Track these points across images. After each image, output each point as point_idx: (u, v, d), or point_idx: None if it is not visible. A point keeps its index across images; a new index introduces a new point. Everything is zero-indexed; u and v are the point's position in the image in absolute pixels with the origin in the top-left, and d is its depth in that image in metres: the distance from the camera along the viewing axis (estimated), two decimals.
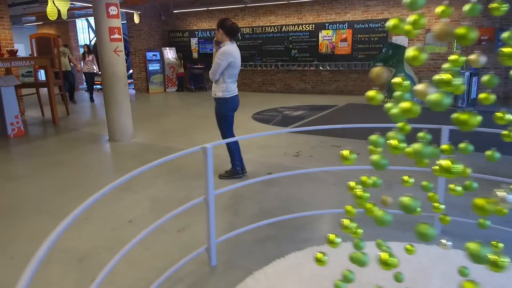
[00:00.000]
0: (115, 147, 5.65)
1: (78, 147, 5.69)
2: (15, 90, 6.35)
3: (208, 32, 12.78)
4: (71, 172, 4.49)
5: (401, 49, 9.02)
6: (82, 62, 10.12)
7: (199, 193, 3.73)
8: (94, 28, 18.17)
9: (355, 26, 10.47)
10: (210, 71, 3.76)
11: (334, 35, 10.76)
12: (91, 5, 11.29)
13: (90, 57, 10.29)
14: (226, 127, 3.96)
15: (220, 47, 3.82)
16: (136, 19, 11.50)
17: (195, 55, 13.25)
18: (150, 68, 12.76)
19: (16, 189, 3.92)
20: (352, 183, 1.57)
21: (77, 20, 16.42)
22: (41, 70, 9.46)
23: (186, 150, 2.28)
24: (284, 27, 11.46)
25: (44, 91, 8.30)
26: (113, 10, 5.47)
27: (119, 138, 5.88)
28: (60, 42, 9.06)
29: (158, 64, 12.92)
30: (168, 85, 13.25)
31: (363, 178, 1.61)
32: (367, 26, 10.33)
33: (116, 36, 5.57)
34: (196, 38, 13.07)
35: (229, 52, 3.69)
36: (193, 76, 12.97)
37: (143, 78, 13.10)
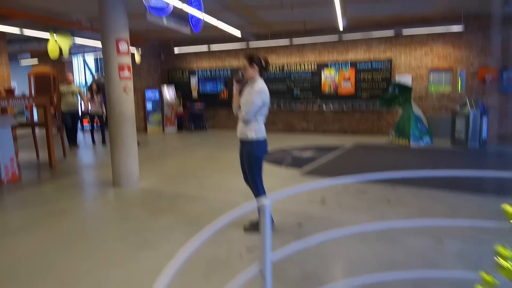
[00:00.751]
0: (120, 193, 5.17)
1: (79, 194, 5.20)
2: (11, 130, 5.92)
3: (208, 71, 12.71)
4: (74, 223, 3.98)
5: (407, 89, 8.96)
6: (89, 102, 9.34)
7: (227, 250, 3.31)
8: (99, 65, 17.73)
9: (358, 65, 10.49)
10: (244, 112, 3.36)
11: (337, 74, 10.75)
12: (89, 44, 11.22)
13: (99, 97, 9.29)
14: (257, 172, 3.55)
15: (246, 84, 3.53)
16: (137, 59, 11.36)
17: (195, 94, 13.08)
18: (149, 107, 12.48)
19: (13, 246, 3.39)
20: (502, 250, 1.32)
21: (73, 57, 16.29)
22: (35, 109, 9.08)
23: (242, 207, 1.87)
24: (286, 66, 11.45)
25: (38, 131, 7.88)
26: (123, 46, 5.21)
27: (125, 183, 5.41)
28: (69, 79, 8.79)
29: (157, 103, 12.67)
30: (166, 124, 12.92)
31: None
32: (370, 65, 10.35)
33: (126, 73, 5.27)
34: (196, 77, 12.96)
35: (265, 90, 3.42)
36: (193, 115, 12.72)
37: (141, 117, 12.77)
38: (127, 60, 5.30)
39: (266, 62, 3.52)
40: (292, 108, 11.44)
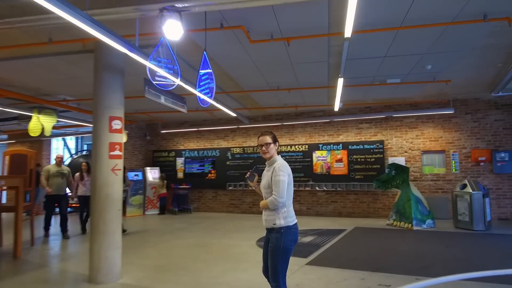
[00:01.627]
0: None
1: None
2: None
3: (196, 151, 12.37)
4: None
5: (405, 169, 8.79)
6: (78, 183, 8.22)
7: None
8: (79, 145, 17.03)
9: (349, 147, 10.43)
10: (277, 194, 2.91)
11: (329, 155, 10.60)
12: (77, 124, 10.83)
13: (89, 178, 7.96)
14: (282, 266, 2.95)
15: (261, 170, 3.23)
16: (124, 138, 10.96)
17: (180, 174, 12.53)
18: (130, 188, 11.72)
19: None
20: None
21: (52, 139, 15.75)
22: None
23: None
24: None
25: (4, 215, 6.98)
26: (116, 125, 4.80)
27: (103, 279, 4.54)
28: (59, 159, 7.75)
29: (140, 185, 11.97)
30: (147, 207, 12.08)
31: None
32: (362, 147, 10.31)
33: (117, 152, 4.78)
34: (183, 158, 12.55)
35: (287, 165, 3.08)
36: (177, 196, 12.00)
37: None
38: (119, 139, 4.85)
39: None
40: None
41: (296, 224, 3.06)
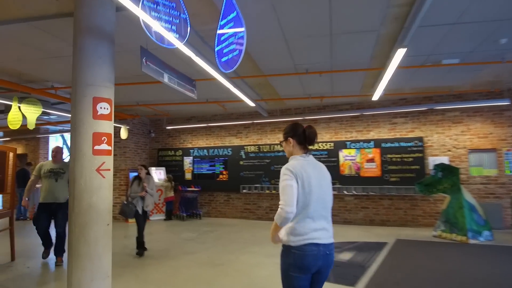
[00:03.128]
0: None
1: None
2: None
3: (205, 150, 11.09)
4: None
5: (454, 171, 7.39)
6: None
7: None
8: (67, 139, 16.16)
9: (382, 145, 9.06)
10: (282, 204, 2.28)
11: (358, 154, 9.25)
12: (64, 117, 9.64)
13: None
14: None
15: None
16: (124, 134, 9.73)
17: (188, 176, 11.26)
18: None
19: None
20: None
21: (50, 136, 14.62)
22: None
23: None
24: None
25: None
26: (104, 109, 3.52)
27: None
28: (55, 155, 5.76)
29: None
30: (152, 211, 10.83)
31: None
32: (397, 144, 8.93)
33: (104, 147, 3.50)
34: (191, 157, 11.27)
35: (297, 168, 2.38)
36: (186, 200, 10.73)
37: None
38: (107, 128, 3.57)
39: (312, 132, 2.50)
40: None
41: (305, 246, 2.28)
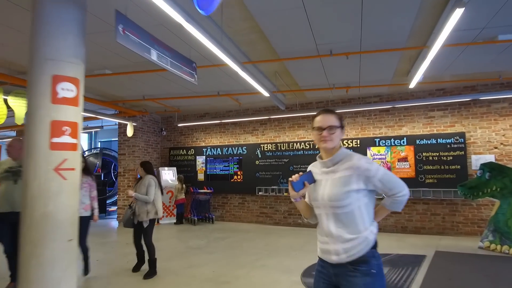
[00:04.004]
0: None
1: None
2: None
3: (218, 149, 10.27)
4: None
5: (505, 171, 6.25)
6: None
7: None
8: (93, 143, 15.48)
9: (417, 141, 7.96)
10: (400, 187, 1.94)
11: (389, 153, 8.18)
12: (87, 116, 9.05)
13: (88, 185, 4.90)
14: None
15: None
16: (130, 132, 9.03)
17: (200, 176, 10.48)
18: None
19: None
20: None
21: None
22: None
23: None
24: None
25: None
26: (67, 90, 2.72)
27: None
28: (10, 148, 4.31)
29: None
30: (162, 215, 10.11)
31: None
32: (434, 141, 7.82)
33: (66, 139, 2.69)
34: (204, 157, 10.48)
35: None
36: (197, 203, 9.95)
37: None
38: (72, 116, 2.75)
39: None
40: None
41: None
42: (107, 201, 11.69)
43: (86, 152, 13.62)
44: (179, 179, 10.08)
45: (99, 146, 14.59)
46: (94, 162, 12.60)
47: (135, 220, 4.95)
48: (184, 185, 9.97)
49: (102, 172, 11.99)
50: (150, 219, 4.87)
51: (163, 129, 11.25)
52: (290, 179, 1.96)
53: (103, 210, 11.53)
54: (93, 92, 7.94)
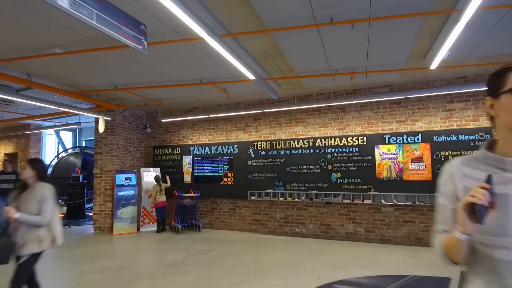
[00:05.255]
0: None
1: None
2: None
3: (207, 147, 9.14)
4: None
5: None
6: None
7: None
8: (77, 140, 14.37)
9: (434, 138, 6.80)
10: None
11: (401, 151, 7.02)
12: (66, 111, 7.88)
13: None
14: None
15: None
16: (101, 127, 7.88)
17: (187, 178, 9.36)
18: (119, 195, 8.69)
19: None
20: None
21: (44, 132, 13.13)
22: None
23: None
24: (319, 140, 7.82)
25: None
26: None
27: None
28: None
29: (132, 191, 8.92)
30: (143, 221, 9.00)
31: None
32: (454, 138, 6.65)
33: None
34: (191, 156, 9.36)
35: None
36: (182, 208, 8.81)
37: (107, 211, 8.90)
38: None
39: None
40: (329, 200, 7.50)
41: None
42: (86, 206, 10.58)
43: (63, 153, 12.54)
44: (156, 178, 8.85)
45: (83, 145, 13.49)
46: (73, 162, 11.50)
47: (16, 253, 3.12)
48: (162, 185, 8.76)
49: (82, 174, 10.89)
50: (36, 252, 3.15)
51: (148, 126, 10.15)
52: (470, 199, 1.03)
53: (81, 215, 10.45)
54: (57, 81, 6.85)
